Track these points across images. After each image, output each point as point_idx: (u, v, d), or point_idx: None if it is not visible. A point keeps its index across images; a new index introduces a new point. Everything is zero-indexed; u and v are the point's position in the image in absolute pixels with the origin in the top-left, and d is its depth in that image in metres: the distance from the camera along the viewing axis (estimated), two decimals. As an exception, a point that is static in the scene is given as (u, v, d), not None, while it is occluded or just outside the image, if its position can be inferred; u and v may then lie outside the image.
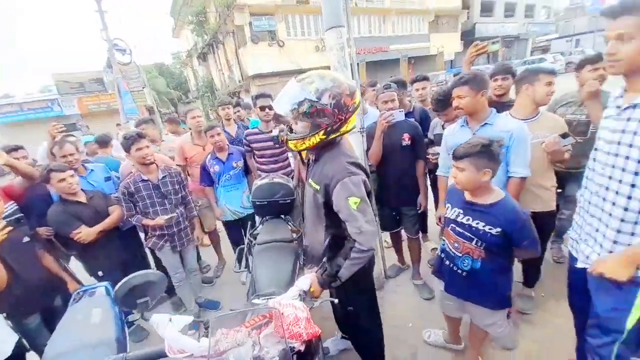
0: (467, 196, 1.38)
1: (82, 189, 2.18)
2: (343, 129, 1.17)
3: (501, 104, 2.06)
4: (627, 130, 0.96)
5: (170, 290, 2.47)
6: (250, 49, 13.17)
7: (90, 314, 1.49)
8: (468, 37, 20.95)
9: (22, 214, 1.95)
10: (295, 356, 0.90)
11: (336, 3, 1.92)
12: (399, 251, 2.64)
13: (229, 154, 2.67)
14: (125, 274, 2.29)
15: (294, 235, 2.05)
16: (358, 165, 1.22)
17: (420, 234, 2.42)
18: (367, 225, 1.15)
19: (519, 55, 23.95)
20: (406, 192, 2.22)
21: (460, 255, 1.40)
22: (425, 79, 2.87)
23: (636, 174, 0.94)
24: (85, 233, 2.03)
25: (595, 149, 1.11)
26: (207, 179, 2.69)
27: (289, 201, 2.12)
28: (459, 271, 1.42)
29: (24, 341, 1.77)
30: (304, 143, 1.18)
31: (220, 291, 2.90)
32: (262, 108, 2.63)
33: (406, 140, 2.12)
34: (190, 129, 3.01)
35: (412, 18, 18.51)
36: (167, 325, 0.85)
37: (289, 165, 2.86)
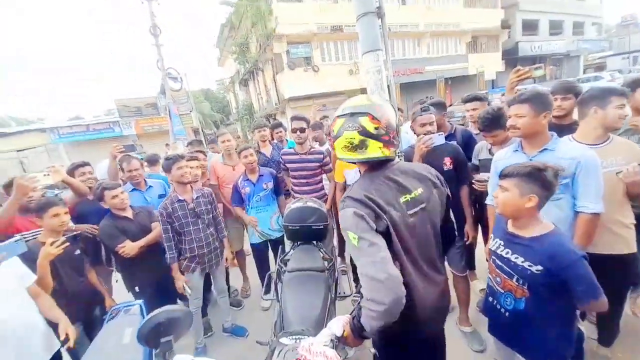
0: (510, 226, 1.22)
1: (130, 206, 2.32)
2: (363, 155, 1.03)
3: (562, 127, 1.83)
4: None
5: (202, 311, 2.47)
6: (286, 75, 13.87)
7: (122, 334, 1.52)
8: (510, 55, 20.09)
9: (78, 233, 2.09)
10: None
11: (372, 28, 1.92)
12: None
13: (260, 175, 2.71)
14: (160, 292, 2.31)
15: (326, 263, 1.94)
16: (365, 197, 0.98)
17: (468, 272, 2.15)
18: (369, 268, 0.89)
19: (570, 73, 22.29)
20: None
21: (502, 291, 1.23)
22: (478, 98, 2.52)
23: None
24: (129, 247, 2.13)
25: None
26: (238, 199, 2.73)
27: (321, 227, 2.04)
28: (502, 310, 1.24)
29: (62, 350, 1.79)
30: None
31: (243, 316, 2.84)
32: (295, 130, 2.65)
33: (448, 164, 1.96)
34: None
35: (448, 40, 18.30)
36: None
37: (322, 188, 2.82)
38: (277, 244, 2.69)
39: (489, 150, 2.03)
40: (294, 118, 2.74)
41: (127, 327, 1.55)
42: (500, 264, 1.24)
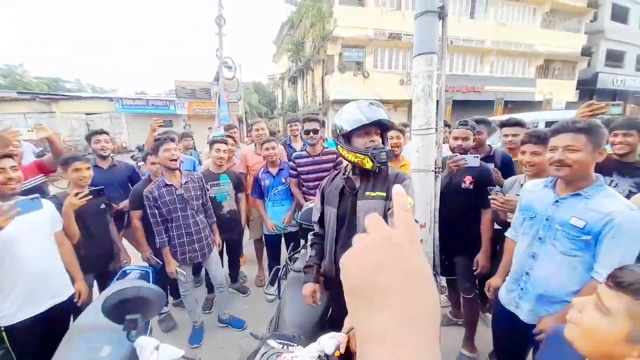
0: None
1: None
2: None
3: (624, 165, 1.77)
4: None
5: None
6: (336, 77, 13.88)
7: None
8: (587, 86, 18.03)
9: (103, 187, 2.08)
10: None
11: (430, 28, 1.74)
12: (455, 303, 2.33)
13: (280, 169, 2.69)
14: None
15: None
16: None
17: (479, 300, 2.04)
18: None
19: (656, 115, 19.42)
20: (461, 240, 1.92)
21: None
22: (519, 124, 2.26)
23: None
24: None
25: None
26: (258, 191, 2.74)
27: (336, 231, 1.92)
28: None
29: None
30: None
31: (251, 304, 2.81)
32: (307, 132, 2.57)
33: (467, 183, 1.84)
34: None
35: (516, 60, 16.92)
36: (152, 353, 0.73)
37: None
38: (291, 238, 2.66)
39: (522, 185, 1.72)
40: (305, 119, 2.66)
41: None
42: None
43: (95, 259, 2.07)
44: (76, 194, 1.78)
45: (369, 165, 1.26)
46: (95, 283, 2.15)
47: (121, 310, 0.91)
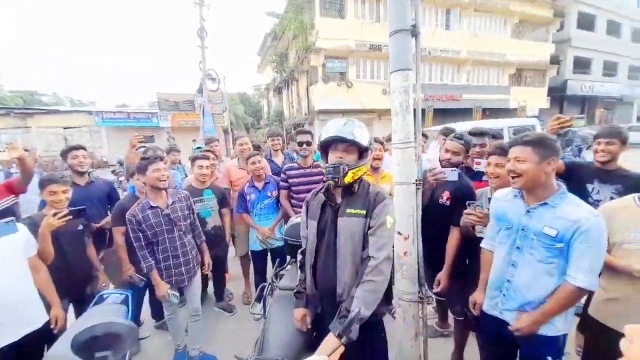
0: None
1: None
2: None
3: (606, 172, 1.86)
4: None
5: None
6: (320, 87, 14.08)
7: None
8: (557, 92, 19.04)
9: (84, 207, 2.05)
10: None
11: (404, 46, 1.80)
12: (441, 315, 2.35)
13: (266, 182, 2.69)
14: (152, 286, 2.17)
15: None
16: None
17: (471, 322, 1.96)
18: (386, 249, 1.25)
19: (622, 119, 20.68)
20: (440, 258, 1.91)
21: None
22: (484, 134, 2.22)
23: None
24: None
25: None
26: (243, 205, 2.71)
27: (322, 247, 1.91)
28: None
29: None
30: (357, 173, 1.32)
31: (236, 326, 2.72)
32: (301, 144, 2.60)
33: (444, 198, 1.85)
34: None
35: (491, 70, 17.72)
36: None
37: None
38: (277, 254, 2.62)
39: (489, 198, 1.77)
40: (299, 132, 2.76)
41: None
42: None
43: (71, 283, 1.97)
44: (54, 214, 1.70)
45: (330, 181, 1.32)
46: (71, 307, 2.04)
47: (91, 347, 0.87)
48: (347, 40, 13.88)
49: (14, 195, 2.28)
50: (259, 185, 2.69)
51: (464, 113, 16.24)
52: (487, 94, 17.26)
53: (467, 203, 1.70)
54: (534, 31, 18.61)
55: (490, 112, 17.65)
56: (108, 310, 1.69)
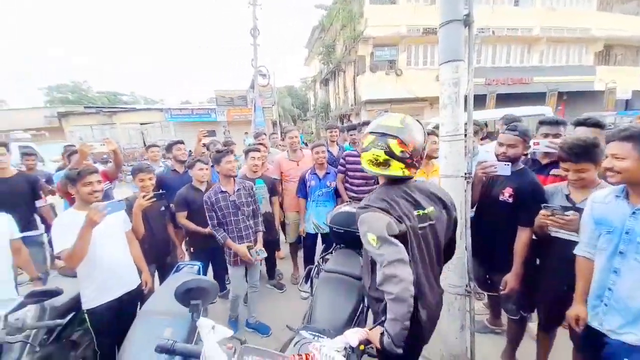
0: None
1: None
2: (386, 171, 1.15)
3: None
4: None
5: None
6: (367, 77, 13.83)
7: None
8: (657, 71, 15.74)
9: (165, 191, 2.46)
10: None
11: (456, 36, 1.75)
12: (494, 312, 2.29)
13: (327, 173, 2.86)
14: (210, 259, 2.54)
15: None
16: (387, 204, 1.12)
17: (527, 315, 1.91)
18: (389, 268, 1.01)
19: None
20: (500, 257, 1.79)
21: None
22: (598, 125, 1.91)
23: None
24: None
25: None
26: (303, 191, 2.93)
27: (364, 235, 2.02)
28: None
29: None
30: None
31: (285, 302, 3.00)
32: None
33: (506, 195, 1.72)
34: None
35: (571, 47, 15.31)
36: (209, 332, 0.91)
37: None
38: (328, 238, 2.79)
39: (567, 196, 1.61)
40: (364, 124, 2.84)
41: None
42: None
43: (156, 252, 2.42)
44: (144, 196, 2.14)
45: None
46: (156, 273, 2.50)
47: (187, 297, 1.16)
48: (398, 26, 13.32)
49: (108, 182, 2.86)
50: (320, 173, 2.91)
51: (536, 98, 14.35)
52: (565, 76, 14.95)
53: (542, 206, 1.54)
54: (624, 4, 15.52)
55: (568, 96, 15.33)
56: (190, 274, 2.06)
